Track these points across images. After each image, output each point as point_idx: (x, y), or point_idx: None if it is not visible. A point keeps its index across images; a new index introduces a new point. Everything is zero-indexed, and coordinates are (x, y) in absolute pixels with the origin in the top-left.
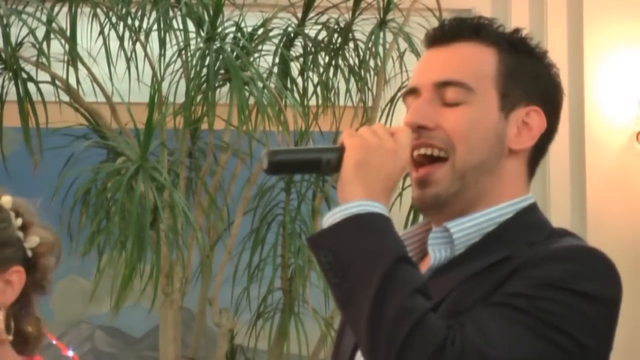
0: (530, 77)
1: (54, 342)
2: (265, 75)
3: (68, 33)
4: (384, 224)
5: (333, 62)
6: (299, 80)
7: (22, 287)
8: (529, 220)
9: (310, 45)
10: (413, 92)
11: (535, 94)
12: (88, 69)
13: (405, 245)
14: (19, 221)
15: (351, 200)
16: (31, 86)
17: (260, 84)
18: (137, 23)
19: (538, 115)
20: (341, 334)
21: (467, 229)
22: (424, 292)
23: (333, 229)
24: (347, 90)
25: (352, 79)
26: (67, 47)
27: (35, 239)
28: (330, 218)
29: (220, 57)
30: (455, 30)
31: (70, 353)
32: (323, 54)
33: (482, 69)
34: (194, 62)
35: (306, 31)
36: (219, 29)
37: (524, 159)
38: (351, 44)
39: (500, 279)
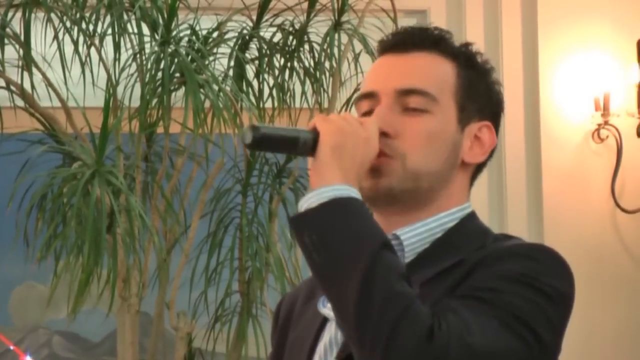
0: (483, 93)
1: (12, 347)
2: (220, 78)
3: (22, 38)
4: (364, 209)
5: (288, 65)
6: (255, 83)
7: None
8: (473, 226)
9: (266, 47)
10: (370, 96)
11: (486, 110)
12: (43, 73)
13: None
14: None
15: (330, 184)
16: None
17: (215, 87)
18: (91, 27)
19: (489, 130)
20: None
21: (416, 235)
22: (408, 279)
23: (318, 210)
24: (303, 92)
25: (308, 81)
26: (21, 52)
27: None
28: (310, 199)
29: (175, 60)
30: (416, 40)
31: (28, 359)
32: (278, 56)
33: (444, 80)
34: (149, 65)
35: (261, 33)
36: (174, 33)
37: (470, 171)
38: (306, 46)
39: (458, 280)
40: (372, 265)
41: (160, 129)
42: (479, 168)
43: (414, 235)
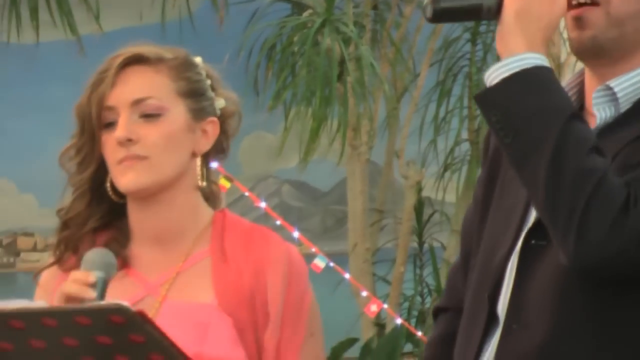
0: None
1: (247, 194)
2: None
3: None
4: (549, 77)
5: None
6: None
7: (215, 139)
8: None
9: None
10: None
11: None
12: None
13: (572, 100)
14: (209, 81)
15: (514, 54)
16: None
17: None
18: None
19: None
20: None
21: (630, 86)
22: (599, 149)
23: (500, 86)
24: None
25: None
26: None
27: (221, 101)
28: (494, 73)
29: None
30: None
31: (262, 204)
32: None
33: None
34: None
35: None
36: None
37: None
38: None
39: None
40: (560, 141)
41: None
42: None
43: (629, 85)
